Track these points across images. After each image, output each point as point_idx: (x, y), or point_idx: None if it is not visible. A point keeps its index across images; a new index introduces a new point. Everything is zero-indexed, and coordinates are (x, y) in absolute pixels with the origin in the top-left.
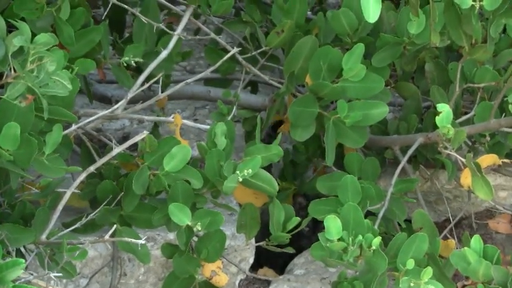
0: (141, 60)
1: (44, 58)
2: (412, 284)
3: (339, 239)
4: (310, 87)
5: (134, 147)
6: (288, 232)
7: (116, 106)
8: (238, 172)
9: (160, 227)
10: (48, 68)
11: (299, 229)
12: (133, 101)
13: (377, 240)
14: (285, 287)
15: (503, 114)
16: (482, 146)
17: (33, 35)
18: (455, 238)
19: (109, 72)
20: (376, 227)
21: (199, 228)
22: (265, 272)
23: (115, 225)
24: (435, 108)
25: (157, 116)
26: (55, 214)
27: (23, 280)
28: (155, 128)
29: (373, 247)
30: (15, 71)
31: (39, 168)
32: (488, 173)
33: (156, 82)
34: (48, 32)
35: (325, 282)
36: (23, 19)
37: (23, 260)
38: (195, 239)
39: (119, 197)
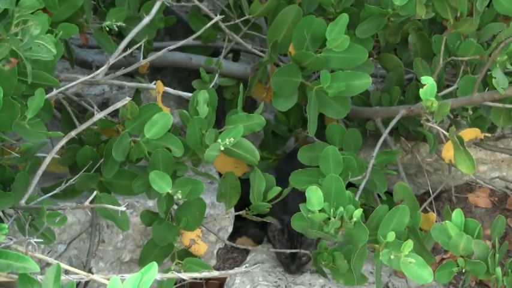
0: (124, 24)
1: (28, 21)
2: (392, 257)
3: (320, 210)
4: (293, 56)
5: (114, 113)
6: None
7: (97, 72)
8: (220, 141)
9: (140, 194)
10: (33, 32)
11: (280, 198)
12: (114, 67)
13: (358, 212)
14: (264, 256)
15: (487, 88)
16: (465, 120)
17: None
18: (435, 211)
19: (89, 37)
20: (357, 198)
21: (180, 197)
22: (243, 242)
23: (95, 192)
24: (418, 80)
25: (139, 82)
26: (35, 179)
27: (3, 245)
28: (137, 94)
29: (354, 219)
30: None
31: (20, 132)
32: (469, 146)
33: (138, 48)
34: None
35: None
36: None
37: (6, 225)
38: (175, 207)
39: (98, 163)
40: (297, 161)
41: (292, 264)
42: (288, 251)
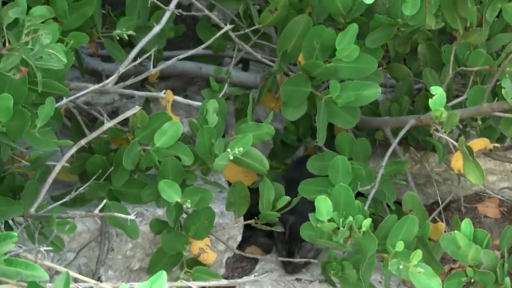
0: (134, 33)
1: (39, 31)
2: (401, 266)
3: (329, 220)
4: (302, 66)
5: (124, 122)
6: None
7: (107, 81)
8: (229, 150)
9: (149, 202)
10: (43, 41)
11: (289, 208)
12: (124, 76)
13: (367, 221)
14: (272, 265)
15: (496, 99)
16: (474, 130)
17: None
18: (444, 221)
19: (99, 46)
20: (366, 208)
21: (189, 206)
22: (252, 251)
23: (104, 200)
24: (427, 90)
25: (149, 91)
26: (44, 187)
27: (12, 253)
28: (147, 103)
29: (363, 228)
30: (9, 42)
31: (30, 140)
32: (478, 156)
33: (148, 57)
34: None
35: (313, 263)
36: None
37: (15, 233)
38: (184, 215)
39: (108, 172)
40: (305, 168)
41: (288, 265)
42: (292, 260)
